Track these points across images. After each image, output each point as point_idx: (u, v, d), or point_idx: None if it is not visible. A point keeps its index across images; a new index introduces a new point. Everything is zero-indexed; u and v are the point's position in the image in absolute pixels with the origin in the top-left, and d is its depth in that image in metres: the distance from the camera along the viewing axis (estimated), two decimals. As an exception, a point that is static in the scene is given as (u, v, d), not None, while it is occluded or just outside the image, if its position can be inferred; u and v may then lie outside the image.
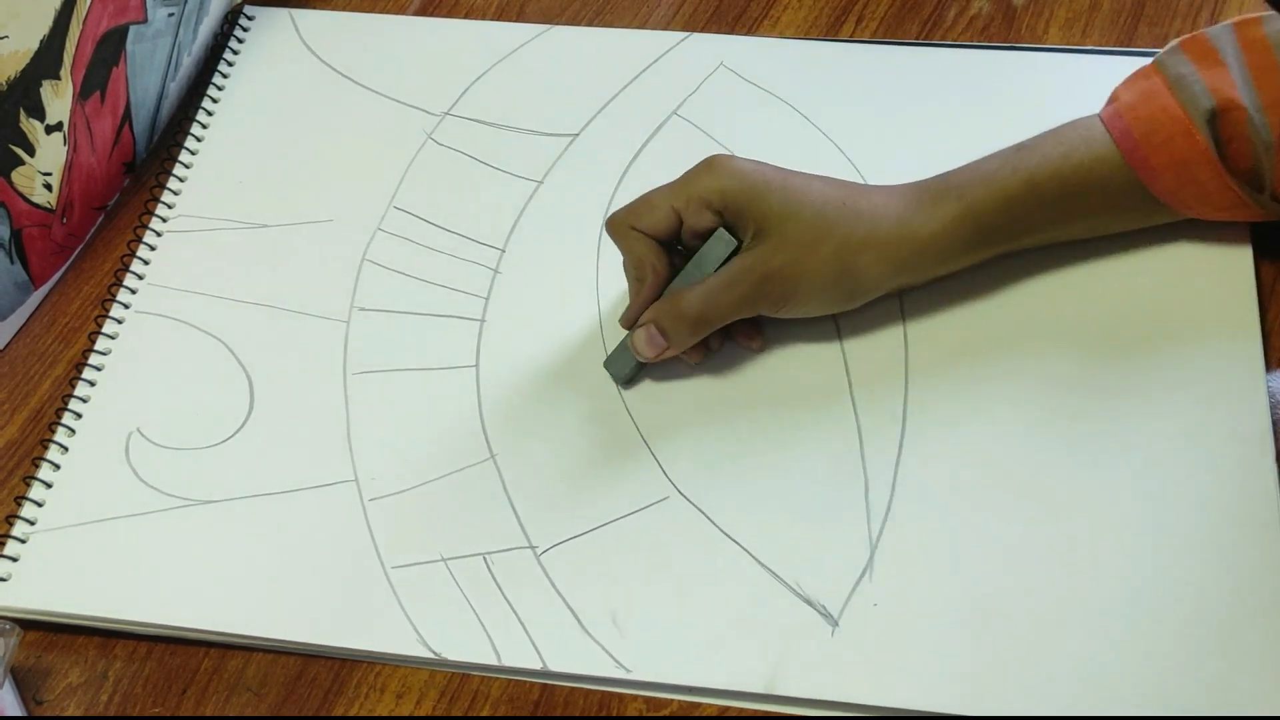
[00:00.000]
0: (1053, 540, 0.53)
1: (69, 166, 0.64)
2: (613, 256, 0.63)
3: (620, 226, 0.57)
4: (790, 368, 0.59)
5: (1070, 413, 0.56)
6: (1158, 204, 0.57)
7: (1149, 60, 0.58)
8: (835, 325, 0.60)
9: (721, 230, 0.55)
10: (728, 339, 0.58)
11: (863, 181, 0.60)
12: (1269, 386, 0.56)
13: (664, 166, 0.65)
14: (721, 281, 0.55)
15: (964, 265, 0.57)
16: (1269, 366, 0.57)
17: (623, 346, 0.58)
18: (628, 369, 0.58)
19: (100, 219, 0.68)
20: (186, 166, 0.68)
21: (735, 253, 0.55)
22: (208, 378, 0.60)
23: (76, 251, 0.66)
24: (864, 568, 0.53)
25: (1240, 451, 0.55)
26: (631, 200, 0.57)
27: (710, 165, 0.56)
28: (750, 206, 0.55)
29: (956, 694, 0.50)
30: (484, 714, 0.52)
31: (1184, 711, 0.49)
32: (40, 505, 0.57)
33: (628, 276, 0.58)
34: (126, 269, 0.64)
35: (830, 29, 0.71)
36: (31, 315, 0.64)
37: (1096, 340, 0.58)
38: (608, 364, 0.59)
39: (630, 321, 0.57)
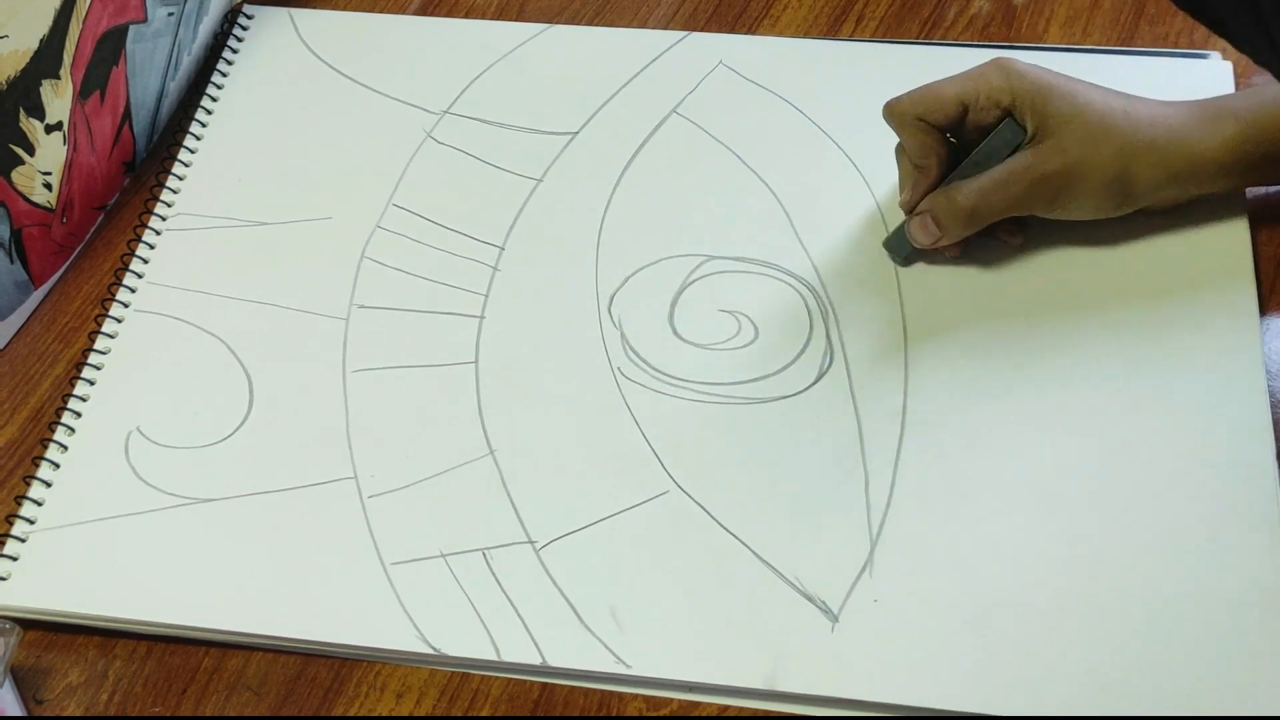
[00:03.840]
0: (1053, 537, 0.53)
1: (69, 166, 0.64)
2: (613, 255, 0.63)
3: (905, 115, 0.58)
4: (791, 363, 0.59)
5: (1070, 410, 0.56)
6: None
7: (1153, 58, 0.59)
8: (835, 319, 0.60)
9: (1008, 121, 0.57)
10: (989, 236, 0.60)
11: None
12: (1269, 386, 0.56)
13: (663, 165, 0.66)
14: (998, 178, 0.57)
15: (1228, 188, 0.59)
16: (1270, 365, 0.57)
17: (900, 229, 0.60)
18: (905, 251, 0.60)
19: (100, 218, 0.68)
20: (186, 165, 0.68)
21: (1020, 145, 0.57)
22: (207, 376, 0.60)
23: (76, 251, 0.66)
24: (864, 564, 0.53)
25: (1240, 450, 0.54)
26: (914, 89, 0.58)
27: (999, 65, 0.57)
28: (1037, 107, 0.56)
29: (956, 690, 0.50)
30: (484, 714, 0.52)
31: (1184, 711, 0.49)
32: (40, 505, 0.57)
33: (900, 161, 0.61)
34: (126, 268, 0.64)
35: (830, 29, 0.71)
36: (31, 315, 0.64)
37: (1097, 339, 0.58)
38: (886, 244, 0.61)
39: (910, 206, 0.59)
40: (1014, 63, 0.57)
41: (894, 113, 0.59)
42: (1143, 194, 0.57)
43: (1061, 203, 0.57)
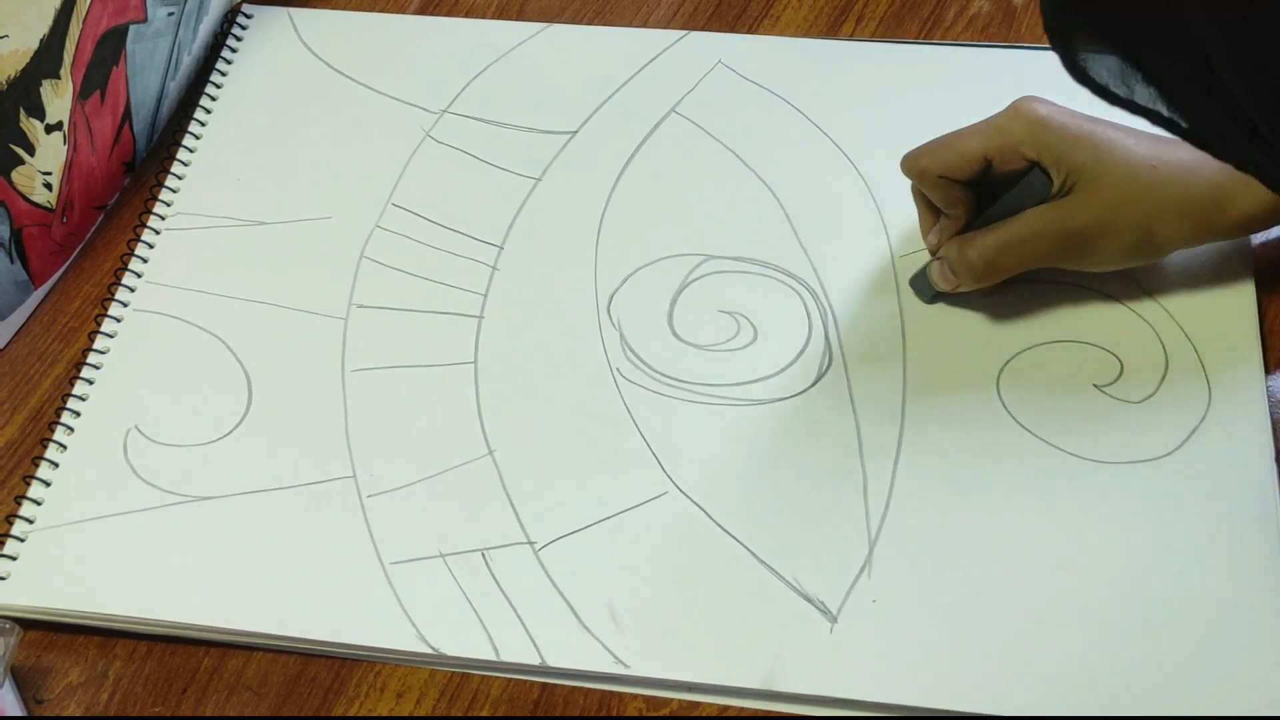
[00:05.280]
0: (1051, 538, 0.53)
1: (69, 166, 0.64)
2: (611, 255, 0.63)
3: (926, 173, 0.56)
4: (789, 364, 0.59)
5: (1070, 410, 0.56)
6: None
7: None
8: (834, 320, 0.60)
9: (1038, 170, 0.54)
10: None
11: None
12: (1269, 386, 0.56)
13: (663, 164, 0.66)
14: (1021, 233, 0.55)
15: (1251, 233, 0.57)
16: (1268, 366, 0.57)
17: (925, 270, 0.59)
18: (930, 292, 0.59)
19: (100, 218, 0.68)
20: (185, 164, 0.68)
21: (1046, 197, 0.55)
22: (206, 375, 0.60)
23: (76, 251, 0.66)
24: (863, 564, 0.53)
25: (1240, 451, 0.54)
26: (931, 142, 0.56)
27: (1021, 112, 0.55)
28: (1064, 159, 0.54)
29: (955, 691, 0.50)
30: (484, 714, 0.52)
31: (1184, 711, 0.49)
32: (40, 504, 0.57)
33: (917, 202, 0.59)
34: (126, 268, 0.64)
35: (830, 28, 0.71)
36: (31, 315, 0.64)
37: (1096, 339, 0.58)
38: (912, 282, 0.60)
39: (934, 250, 0.58)
40: (1037, 108, 0.54)
41: (914, 170, 0.57)
42: (1167, 249, 0.56)
43: (1083, 259, 0.56)
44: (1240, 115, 0.36)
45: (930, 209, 0.59)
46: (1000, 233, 0.55)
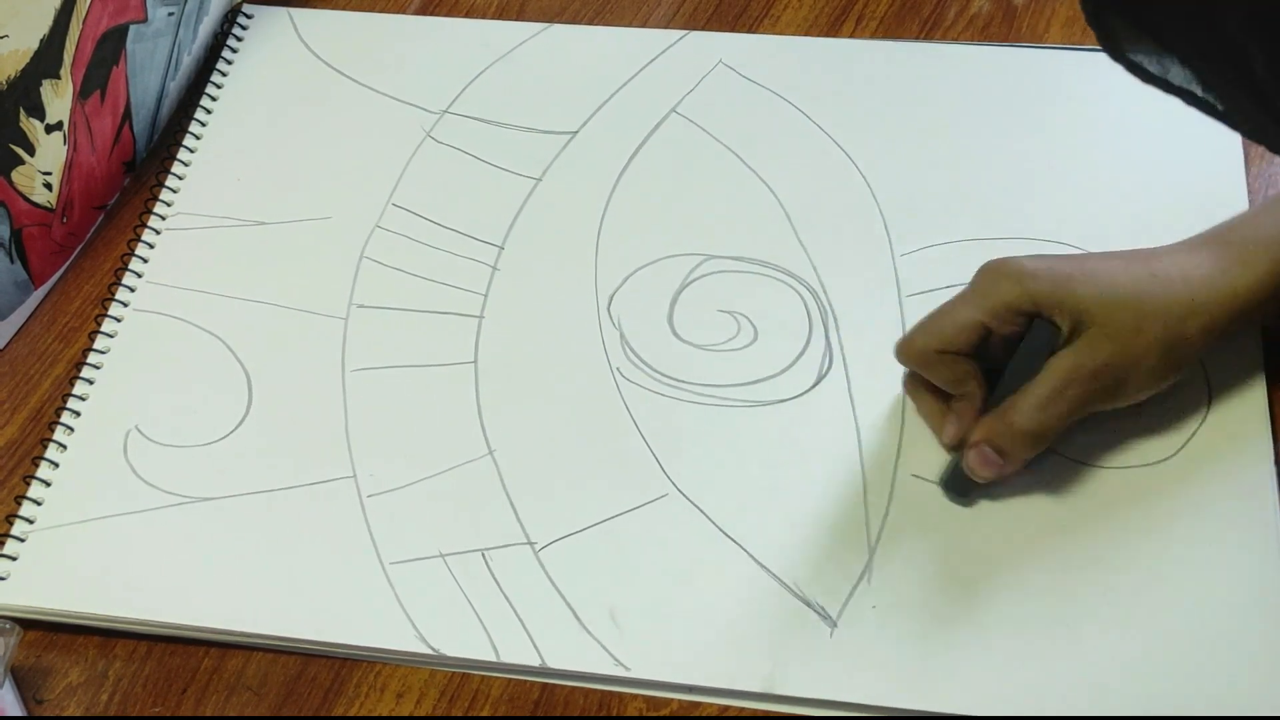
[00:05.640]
0: (1051, 542, 0.53)
1: (69, 166, 0.64)
2: (612, 254, 0.63)
3: (924, 353, 0.54)
4: (790, 365, 0.59)
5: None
6: None
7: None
8: (835, 321, 0.60)
9: (1039, 322, 0.51)
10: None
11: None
12: (1268, 387, 0.56)
13: (663, 164, 0.66)
14: (1051, 389, 0.51)
15: (1271, 314, 0.54)
16: (1268, 370, 0.57)
17: (955, 466, 0.54)
18: (968, 489, 0.54)
19: (100, 218, 0.68)
20: (185, 165, 0.68)
21: (1058, 342, 0.52)
22: (206, 375, 0.60)
23: (76, 251, 0.66)
24: (863, 570, 0.53)
25: (1240, 453, 0.54)
26: (920, 323, 0.54)
27: (1002, 272, 0.52)
28: (1066, 303, 0.51)
29: (954, 694, 0.50)
30: (484, 714, 0.52)
31: (1184, 711, 0.49)
32: (40, 504, 0.57)
33: (918, 398, 0.56)
34: (126, 268, 0.64)
35: (830, 28, 0.71)
36: (31, 315, 0.64)
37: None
38: (943, 483, 0.55)
39: (956, 442, 0.54)
40: (1017, 264, 0.52)
41: (910, 353, 0.54)
42: (1195, 354, 0.53)
43: (1122, 391, 0.52)
44: (1277, 111, 0.36)
45: (936, 400, 0.55)
46: (1035, 392, 0.51)
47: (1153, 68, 0.38)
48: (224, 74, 0.71)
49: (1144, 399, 0.53)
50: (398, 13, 0.74)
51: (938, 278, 0.60)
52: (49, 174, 0.63)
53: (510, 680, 0.53)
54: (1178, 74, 0.38)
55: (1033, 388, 0.52)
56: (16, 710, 0.52)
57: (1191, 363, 0.53)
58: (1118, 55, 0.39)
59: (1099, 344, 0.51)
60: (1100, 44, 0.39)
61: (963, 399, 0.54)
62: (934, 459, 0.55)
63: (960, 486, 0.54)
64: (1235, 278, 0.52)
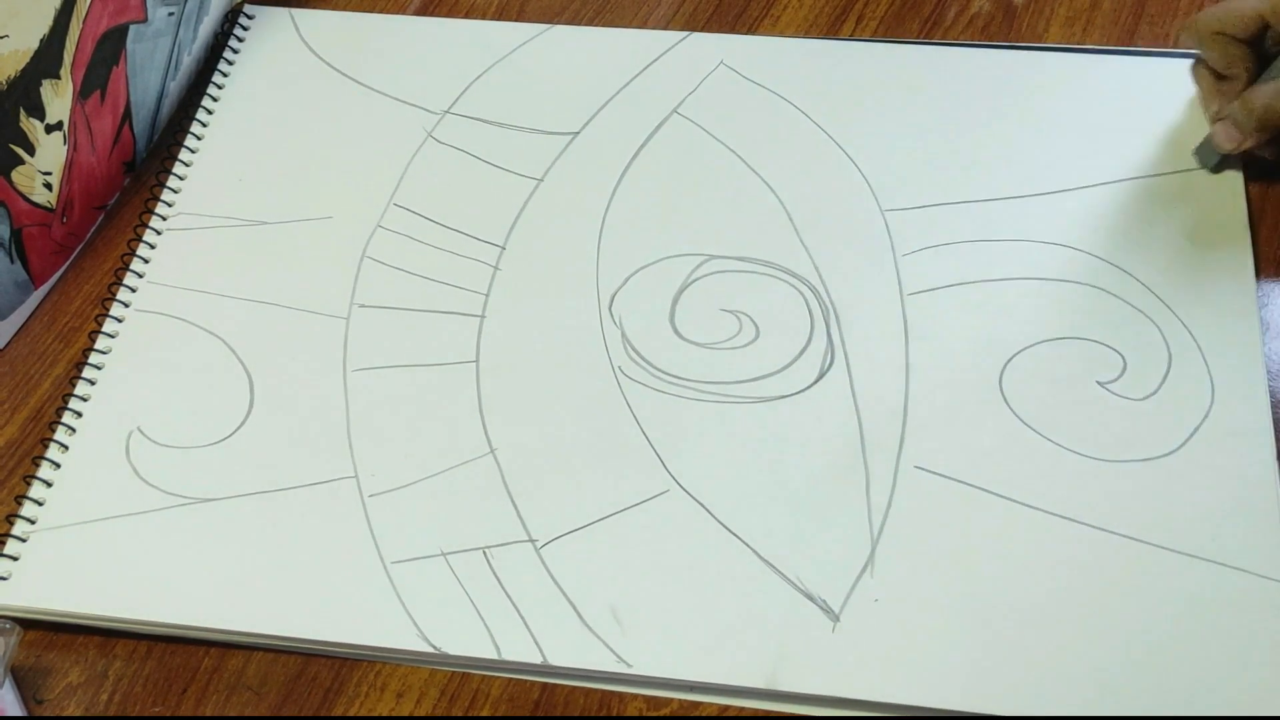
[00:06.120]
0: (1053, 537, 0.53)
1: (69, 166, 0.64)
2: (613, 254, 0.63)
3: (1205, 30, 0.61)
4: (791, 362, 0.59)
5: (1072, 408, 0.56)
6: None
7: (1153, 58, 0.59)
8: (836, 318, 0.60)
9: None
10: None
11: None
12: (1269, 386, 0.56)
13: (664, 165, 0.66)
14: None
15: None
16: (1270, 364, 0.57)
17: (1207, 138, 0.62)
18: (1213, 159, 0.62)
19: (100, 218, 0.68)
20: (186, 165, 0.68)
21: None
22: (208, 375, 0.60)
23: (77, 251, 0.66)
24: (865, 563, 0.53)
25: (1240, 450, 0.54)
26: (1211, 6, 0.61)
27: None
28: None
29: (957, 690, 0.50)
30: (484, 713, 0.52)
31: (1184, 711, 0.49)
32: (40, 504, 0.57)
33: (1197, 76, 0.63)
34: (126, 268, 0.64)
35: (830, 29, 0.71)
36: (31, 315, 0.64)
37: (1099, 336, 0.58)
38: (1196, 151, 0.63)
39: (1217, 116, 0.61)
40: None
41: (1194, 28, 0.61)
42: None
43: None
44: None
45: (1212, 78, 0.62)
46: (1274, 82, 0.59)
47: None
48: (225, 74, 0.71)
49: None
50: (398, 13, 0.74)
51: (939, 277, 0.61)
52: (49, 174, 0.63)
53: (510, 680, 0.52)
54: None
55: (1275, 78, 0.59)
56: (16, 710, 0.52)
57: None
58: None
59: None
60: None
61: (1230, 80, 0.61)
62: (936, 455, 0.55)
63: (1207, 156, 0.62)
64: None
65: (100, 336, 0.62)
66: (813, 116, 0.67)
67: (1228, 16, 0.60)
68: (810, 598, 0.53)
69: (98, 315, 0.63)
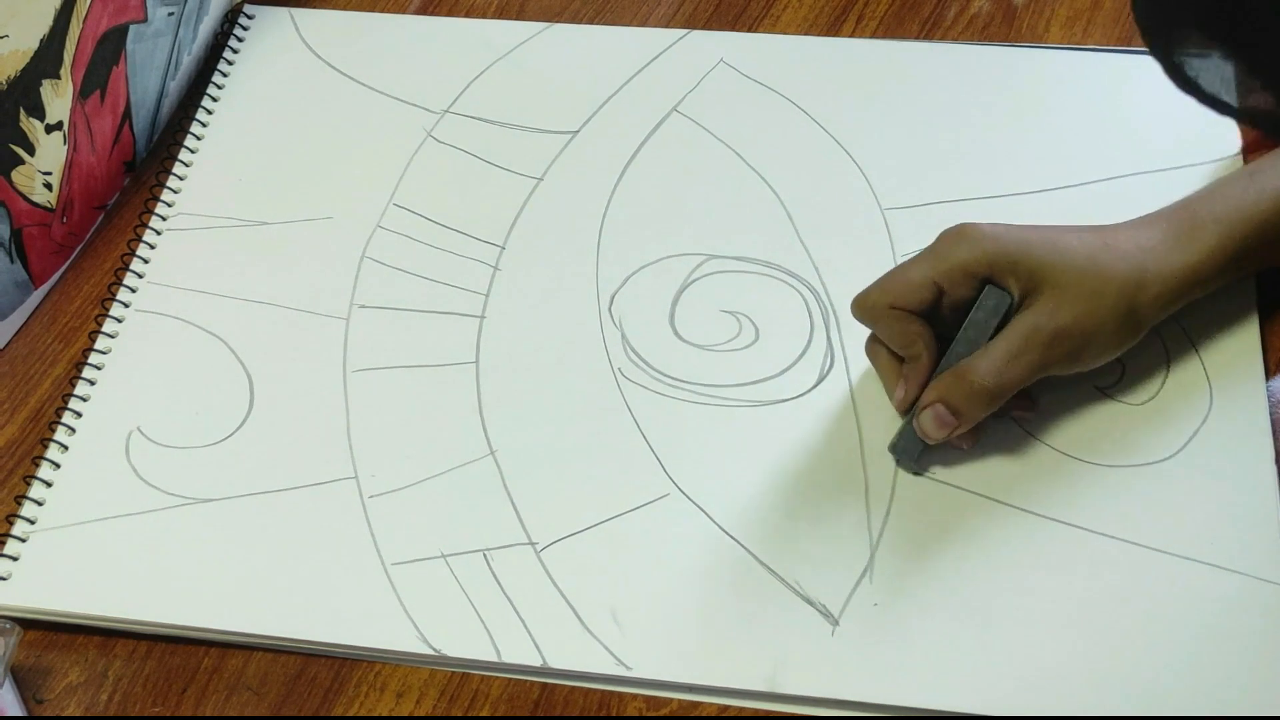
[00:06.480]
0: (1052, 540, 0.53)
1: (69, 165, 0.64)
2: (613, 254, 0.63)
3: (877, 308, 0.54)
4: (791, 365, 0.59)
5: (1071, 413, 0.56)
6: None
7: (1152, 58, 0.58)
8: (836, 321, 0.60)
9: (991, 288, 0.53)
10: (1000, 417, 0.55)
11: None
12: (1269, 386, 0.56)
13: (664, 164, 0.66)
14: (1008, 348, 0.52)
15: (1229, 281, 0.55)
16: (1269, 369, 0.57)
17: (907, 430, 0.55)
18: (917, 452, 0.55)
19: (100, 218, 0.68)
20: (186, 165, 0.68)
21: (1009, 310, 0.53)
22: (208, 376, 0.60)
23: (77, 251, 0.66)
24: (864, 568, 0.53)
25: (1239, 454, 0.55)
26: (877, 280, 0.55)
27: (962, 234, 0.53)
28: (1020, 267, 0.52)
29: (956, 693, 0.50)
30: (484, 714, 0.52)
31: (1184, 711, 0.49)
32: (40, 504, 0.57)
33: (876, 359, 0.57)
34: (126, 268, 0.64)
35: (830, 27, 0.71)
36: (31, 315, 0.64)
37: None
38: (893, 448, 0.55)
39: (909, 404, 0.55)
40: (976, 228, 0.53)
41: (864, 306, 0.55)
42: (1149, 323, 0.54)
43: (1080, 357, 0.53)
44: None
45: (892, 366, 0.56)
46: (994, 352, 0.52)
47: (1228, 98, 0.38)
48: (225, 74, 0.71)
49: (1098, 366, 0.54)
50: (398, 13, 0.74)
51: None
52: (49, 174, 0.63)
53: (510, 680, 0.53)
54: (1260, 99, 0.38)
55: (991, 347, 0.52)
56: (16, 710, 0.52)
57: (1144, 332, 0.54)
58: (1184, 83, 0.39)
59: (1057, 308, 0.52)
60: (1163, 67, 0.39)
61: (913, 361, 0.55)
62: (936, 457, 0.55)
63: (910, 449, 0.55)
64: (1186, 251, 0.54)
65: (100, 336, 0.62)
66: (813, 115, 0.67)
67: (899, 289, 0.54)
68: (809, 602, 0.53)
69: (98, 315, 0.63)
